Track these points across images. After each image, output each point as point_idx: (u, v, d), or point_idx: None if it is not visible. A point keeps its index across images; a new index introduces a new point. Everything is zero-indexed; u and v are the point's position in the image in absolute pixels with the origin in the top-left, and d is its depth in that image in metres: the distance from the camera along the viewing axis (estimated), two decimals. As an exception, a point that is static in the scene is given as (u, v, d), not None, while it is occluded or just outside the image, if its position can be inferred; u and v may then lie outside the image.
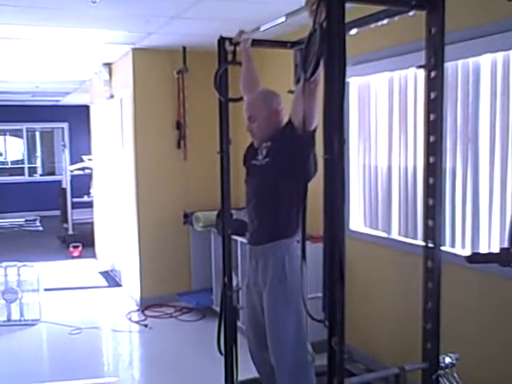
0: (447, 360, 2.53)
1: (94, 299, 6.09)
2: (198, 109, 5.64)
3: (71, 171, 10.49)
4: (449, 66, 3.11)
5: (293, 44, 3.32)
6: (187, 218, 5.59)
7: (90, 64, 6.50)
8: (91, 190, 11.28)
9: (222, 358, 3.44)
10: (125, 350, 4.81)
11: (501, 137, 2.94)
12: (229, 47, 3.16)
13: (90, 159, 10.69)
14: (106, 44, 5.26)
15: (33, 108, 12.13)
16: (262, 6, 3.76)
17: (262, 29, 2.88)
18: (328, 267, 2.16)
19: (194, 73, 5.51)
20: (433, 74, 2.36)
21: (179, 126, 5.63)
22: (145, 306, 5.61)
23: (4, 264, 5.30)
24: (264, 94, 2.86)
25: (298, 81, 3.28)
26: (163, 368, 4.25)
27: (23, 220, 11.79)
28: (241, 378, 3.46)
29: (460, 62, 3.10)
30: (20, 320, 5.25)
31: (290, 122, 2.60)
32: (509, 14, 2.68)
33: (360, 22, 2.63)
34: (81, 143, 12.02)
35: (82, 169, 10.75)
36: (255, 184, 2.82)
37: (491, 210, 3.04)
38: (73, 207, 9.97)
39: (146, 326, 5.13)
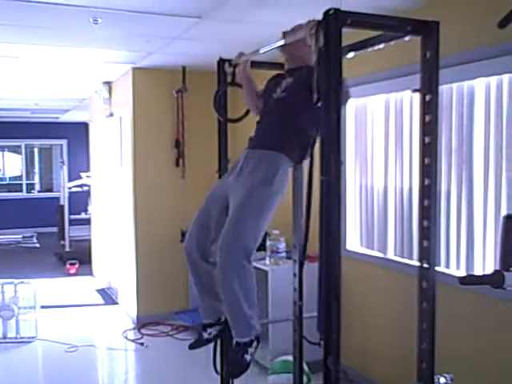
0: (442, 380, 2.55)
1: (90, 317, 6.07)
2: (196, 128, 5.70)
3: (69, 188, 10.53)
4: (444, 88, 3.17)
5: (291, 66, 3.38)
6: (185, 235, 5.59)
7: (89, 82, 6.57)
8: (89, 207, 11.34)
9: (218, 378, 3.45)
10: (121, 368, 4.80)
11: (495, 159, 2.99)
12: (228, 69, 3.22)
13: (88, 176, 10.75)
14: (106, 63, 5.33)
15: (32, 125, 12.19)
16: (262, 28, 3.82)
17: (261, 51, 2.92)
18: (324, 287, 2.19)
19: (193, 92, 5.57)
20: (428, 97, 2.41)
21: (178, 144, 5.68)
22: (141, 324, 5.61)
23: (1, 281, 5.31)
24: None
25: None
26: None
27: (20, 236, 11.77)
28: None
29: (455, 85, 3.17)
30: (16, 337, 5.24)
31: (311, 67, 2.50)
32: (501, 40, 2.74)
33: (357, 46, 2.68)
34: (79, 160, 12.09)
35: (80, 186, 10.79)
36: (271, 113, 2.75)
37: (485, 231, 3.08)
38: (70, 224, 10.00)
39: (142, 344, 5.12)
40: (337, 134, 2.12)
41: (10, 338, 5.23)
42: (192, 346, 2.94)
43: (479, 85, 3.05)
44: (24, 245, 11.21)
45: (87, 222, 10.74)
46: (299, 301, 3.07)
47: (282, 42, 2.74)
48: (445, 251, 3.30)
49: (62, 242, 9.94)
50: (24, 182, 13.16)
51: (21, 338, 5.24)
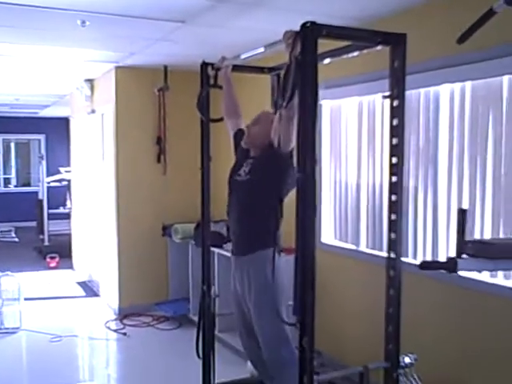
0: (407, 360, 2.81)
1: (72, 309, 6.23)
2: (177, 125, 5.89)
3: (48, 183, 10.58)
4: (412, 93, 3.41)
5: (270, 69, 3.60)
6: (166, 230, 5.80)
7: (71, 79, 6.68)
8: (67, 202, 11.41)
9: (200, 362, 3.66)
10: (104, 356, 4.99)
11: (457, 158, 3.25)
12: (211, 72, 3.41)
13: (67, 171, 10.82)
14: (89, 62, 5.47)
15: (10, 120, 12.17)
16: (242, 33, 4.04)
17: (242, 57, 3.14)
18: (300, 275, 2.41)
19: (175, 90, 5.75)
20: (395, 102, 2.64)
21: (159, 141, 5.86)
22: (123, 315, 5.78)
23: (-15, 273, 5.44)
24: (272, 118, 3.05)
25: (275, 104, 3.57)
26: (142, 373, 4.43)
27: (-2, 230, 11.81)
28: (217, 380, 3.69)
29: (422, 91, 3.41)
30: (0, 328, 5.37)
31: (271, 143, 2.86)
32: (462, 51, 2.99)
33: (333, 53, 2.90)
34: (58, 155, 12.14)
35: (59, 180, 10.87)
36: (237, 198, 3.08)
37: (449, 223, 3.34)
38: (49, 218, 10.07)
39: (124, 334, 5.30)
40: (312, 136, 2.34)
41: (-6, 329, 5.37)
42: None
43: (444, 90, 3.30)
44: (2, 239, 11.23)
45: (66, 216, 10.82)
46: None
47: (262, 49, 2.96)
48: (412, 243, 3.55)
49: (41, 237, 10.00)
50: (1, 176, 13.12)
51: (5, 328, 5.38)
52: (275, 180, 2.86)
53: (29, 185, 13.41)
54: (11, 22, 3.91)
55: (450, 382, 3.19)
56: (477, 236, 3.05)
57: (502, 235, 2.97)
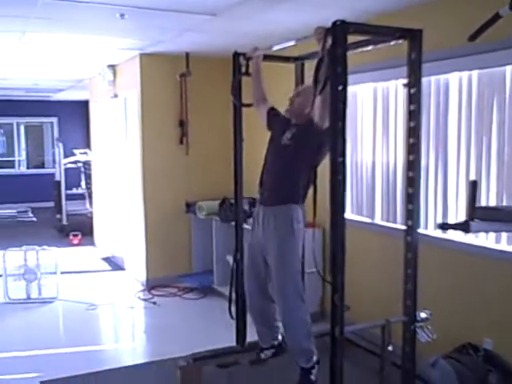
0: (422, 315, 3.21)
1: (101, 281, 6.66)
2: (198, 108, 6.26)
3: (65, 164, 10.93)
4: (424, 80, 3.77)
5: (295, 59, 3.98)
6: (189, 207, 6.20)
7: (93, 65, 7.02)
8: (82, 183, 11.79)
9: (228, 326, 4.07)
10: (138, 322, 5.44)
11: (466, 139, 3.64)
12: (242, 61, 3.77)
13: (81, 153, 11.19)
14: (116, 49, 5.81)
15: (23, 103, 12.48)
16: (269, 25, 4.39)
17: (274, 48, 3.50)
18: (332, 241, 2.81)
19: (196, 76, 6.11)
20: (412, 90, 3.03)
21: (182, 124, 6.22)
22: (150, 286, 6.20)
23: (24, 247, 5.85)
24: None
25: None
26: (175, 335, 4.84)
27: (15, 211, 12.17)
28: (249, 340, 4.11)
29: (433, 78, 3.79)
30: (38, 298, 5.79)
31: (311, 119, 3.19)
32: (470, 43, 3.35)
33: (357, 45, 3.25)
34: (71, 137, 12.44)
35: (75, 162, 11.22)
36: (276, 159, 3.41)
37: (458, 198, 3.74)
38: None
39: (154, 303, 5.73)
40: (342, 120, 2.73)
41: (33, 299, 5.78)
42: (252, 363, 3.74)
43: (453, 78, 3.68)
44: (20, 219, 11.62)
45: (80, 196, 11.25)
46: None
47: (293, 42, 3.33)
48: (424, 215, 3.95)
49: (59, 216, 10.36)
50: (16, 158, 13.47)
51: (43, 298, 5.80)
52: (313, 149, 3.24)
53: (42, 166, 13.74)
54: (52, 15, 4.22)
55: (460, 335, 3.61)
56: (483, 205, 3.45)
57: (505, 204, 3.37)
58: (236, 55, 3.80)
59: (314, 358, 3.31)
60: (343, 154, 2.74)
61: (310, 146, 3.25)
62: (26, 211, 12.15)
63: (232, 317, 4.04)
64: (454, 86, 3.69)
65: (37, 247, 5.87)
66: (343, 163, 2.74)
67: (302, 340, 3.31)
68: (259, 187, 3.51)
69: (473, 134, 3.58)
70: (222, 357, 3.97)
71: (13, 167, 13.43)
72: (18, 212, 12.10)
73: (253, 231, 3.58)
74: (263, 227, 3.41)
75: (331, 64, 2.71)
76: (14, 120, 13.16)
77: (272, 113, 3.66)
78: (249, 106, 3.85)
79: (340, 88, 2.69)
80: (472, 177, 3.61)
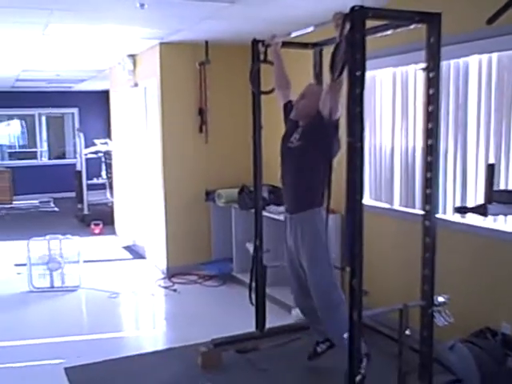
0: (440, 299, 3.22)
1: (123, 270, 6.75)
2: (218, 97, 6.29)
3: (85, 155, 11.05)
4: (443, 64, 3.75)
5: (313, 45, 3.98)
6: (209, 195, 6.25)
7: (113, 55, 7.08)
8: (102, 173, 11.93)
9: (248, 312, 4.13)
10: (160, 309, 5.52)
11: (485, 123, 3.61)
12: (261, 48, 3.79)
13: (102, 143, 11.31)
14: (138, 39, 5.85)
15: (45, 94, 12.61)
16: (288, 9, 4.37)
17: (292, 35, 3.52)
18: (350, 228, 2.83)
19: (215, 64, 6.13)
20: (431, 74, 3.02)
21: (201, 112, 6.26)
22: (171, 274, 6.27)
23: (48, 237, 5.95)
24: (320, 92, 3.38)
25: (317, 77, 3.95)
26: (197, 321, 4.89)
27: (37, 202, 12.36)
28: (268, 325, 4.16)
29: (452, 62, 3.76)
30: (62, 286, 5.89)
31: (319, 112, 3.24)
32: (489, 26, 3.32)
33: (377, 30, 3.25)
34: (92, 128, 12.57)
35: (95, 152, 11.34)
36: (290, 163, 3.47)
37: (477, 183, 3.72)
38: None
39: (175, 290, 5.80)
40: (360, 105, 2.73)
41: (57, 287, 5.88)
42: (310, 358, 3.81)
43: (473, 61, 3.65)
44: (43, 209, 11.80)
45: (101, 186, 11.38)
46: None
47: (311, 29, 3.34)
48: (442, 200, 3.94)
49: (80, 206, 10.47)
50: (38, 149, 13.64)
51: (66, 287, 5.90)
52: (324, 144, 3.24)
53: (63, 157, 13.90)
54: (74, 7, 4.29)
55: (478, 319, 3.61)
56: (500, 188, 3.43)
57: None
58: (255, 42, 3.83)
59: (363, 352, 3.17)
60: (361, 140, 2.75)
61: (321, 140, 3.28)
62: (48, 201, 12.34)
63: (252, 303, 4.09)
64: (473, 69, 3.66)
65: (60, 236, 5.96)
66: (361, 149, 2.74)
67: (343, 341, 3.06)
68: (284, 193, 3.64)
69: (492, 118, 3.55)
70: (241, 342, 4.04)
71: (35, 158, 13.59)
72: (41, 202, 12.30)
73: (286, 234, 3.67)
74: (292, 235, 3.53)
75: (349, 50, 2.72)
76: (35, 111, 13.31)
77: (288, 107, 3.67)
78: (267, 93, 3.87)
79: (358, 73, 2.70)
80: (491, 161, 3.59)
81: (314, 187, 3.35)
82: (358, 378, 2.93)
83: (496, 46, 3.43)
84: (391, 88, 4.44)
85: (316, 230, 3.35)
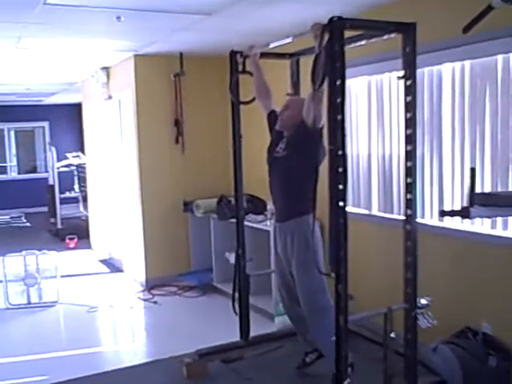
0: (423, 301, 3.28)
1: (100, 283, 6.69)
2: (194, 108, 6.31)
3: (58, 168, 10.92)
4: (417, 72, 3.84)
5: (290, 55, 4.04)
6: (187, 205, 6.24)
7: (86, 67, 7.04)
8: (75, 186, 11.78)
9: (230, 321, 4.14)
10: (140, 322, 5.48)
11: (460, 128, 3.71)
12: (239, 59, 3.83)
13: (74, 156, 11.19)
14: (110, 51, 5.84)
15: (14, 108, 12.45)
16: (264, 22, 4.43)
17: (271, 46, 3.57)
18: (334, 234, 2.86)
19: (190, 75, 6.16)
20: (408, 82, 3.10)
21: (177, 123, 6.27)
22: (150, 286, 6.23)
23: (24, 252, 5.86)
24: (303, 102, 3.38)
25: (294, 86, 4.00)
26: (178, 333, 4.87)
27: (8, 217, 12.16)
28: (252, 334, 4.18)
29: (426, 70, 3.86)
30: (39, 302, 5.81)
31: (303, 122, 3.28)
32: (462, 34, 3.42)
33: (353, 40, 3.31)
34: (63, 141, 12.44)
35: (68, 166, 11.22)
36: (277, 173, 3.49)
37: (453, 186, 3.81)
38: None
39: (155, 302, 5.77)
40: (341, 113, 2.78)
41: (34, 304, 5.79)
42: (299, 368, 3.80)
43: (446, 69, 3.75)
44: (14, 224, 11.61)
45: (74, 200, 11.23)
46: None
47: (290, 39, 3.39)
48: (420, 205, 4.02)
49: (53, 220, 10.33)
50: (8, 164, 13.42)
51: (44, 303, 5.81)
52: (309, 152, 3.29)
53: (34, 171, 13.71)
54: (49, 20, 4.26)
55: (460, 320, 3.68)
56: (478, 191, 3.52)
57: (499, 190, 3.45)
58: (233, 53, 3.87)
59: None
60: (343, 147, 2.80)
61: (306, 147, 3.31)
62: (20, 216, 12.16)
63: (236, 312, 4.10)
64: (447, 77, 3.76)
65: (37, 252, 5.88)
66: (343, 156, 2.79)
67: (330, 347, 3.08)
68: (272, 203, 3.67)
69: (466, 123, 3.65)
70: (226, 352, 4.04)
71: (5, 173, 13.37)
72: (12, 218, 12.10)
73: (275, 242, 3.69)
74: (281, 243, 3.55)
75: (329, 59, 2.77)
76: (4, 126, 13.10)
77: (272, 117, 3.70)
78: (247, 103, 3.91)
79: (338, 83, 2.75)
80: (467, 165, 3.69)
81: (301, 195, 3.38)
82: (346, 382, 2.96)
83: (468, 53, 3.54)
84: (366, 96, 4.52)
85: (305, 237, 3.36)
